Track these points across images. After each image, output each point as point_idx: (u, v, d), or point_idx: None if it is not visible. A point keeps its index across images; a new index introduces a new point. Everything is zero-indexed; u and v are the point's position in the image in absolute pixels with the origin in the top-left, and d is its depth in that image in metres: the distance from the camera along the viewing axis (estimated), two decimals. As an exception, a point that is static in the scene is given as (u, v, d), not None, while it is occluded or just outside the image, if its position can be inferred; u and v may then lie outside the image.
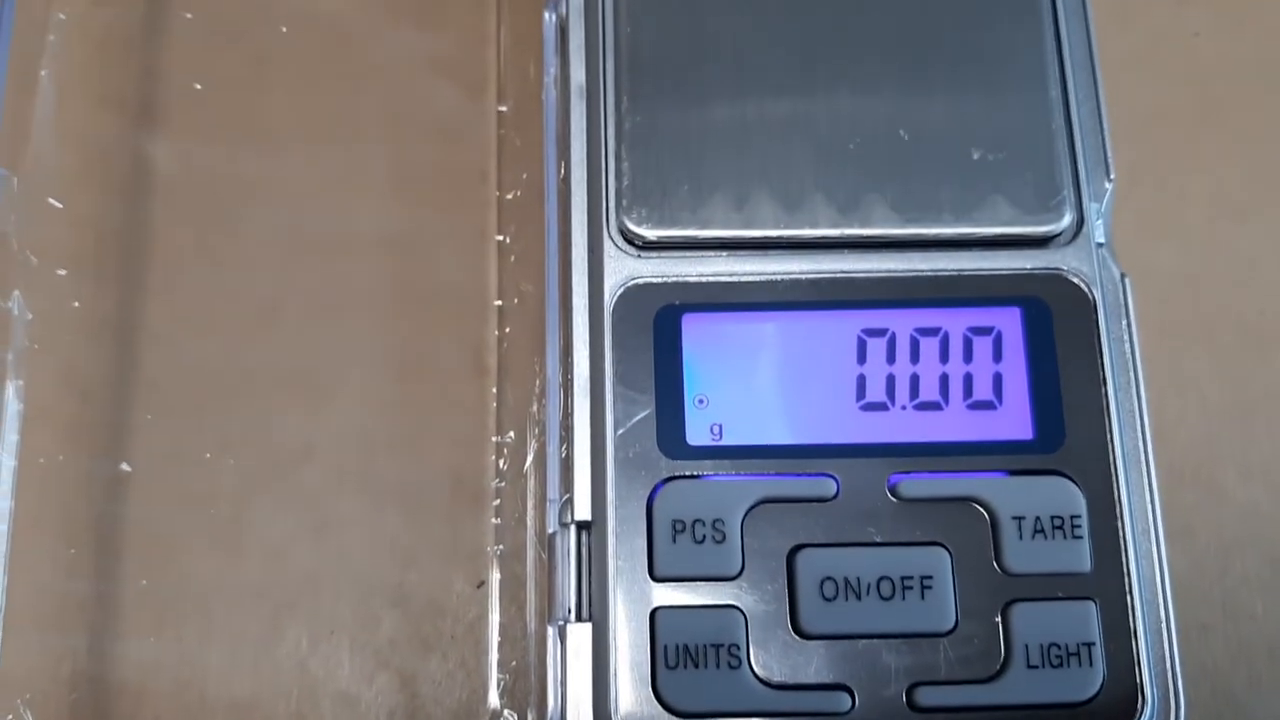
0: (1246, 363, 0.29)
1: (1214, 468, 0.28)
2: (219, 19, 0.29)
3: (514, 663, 0.26)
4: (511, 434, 0.27)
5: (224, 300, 0.28)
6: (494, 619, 0.26)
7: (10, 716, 0.24)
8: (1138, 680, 0.23)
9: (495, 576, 0.26)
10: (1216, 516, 0.28)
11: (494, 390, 0.27)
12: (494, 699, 0.26)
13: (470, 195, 0.29)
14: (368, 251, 0.28)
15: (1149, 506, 0.24)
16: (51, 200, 0.27)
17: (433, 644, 0.26)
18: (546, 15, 0.28)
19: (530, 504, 0.26)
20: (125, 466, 0.26)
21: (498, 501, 0.27)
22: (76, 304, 0.26)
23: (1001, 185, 0.26)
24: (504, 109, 0.29)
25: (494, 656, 0.26)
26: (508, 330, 0.28)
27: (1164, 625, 0.24)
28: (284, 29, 0.29)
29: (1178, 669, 0.24)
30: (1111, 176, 0.26)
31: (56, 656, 0.25)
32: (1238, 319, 0.29)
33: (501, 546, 0.26)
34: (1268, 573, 0.27)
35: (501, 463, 0.27)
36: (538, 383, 0.27)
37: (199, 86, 0.28)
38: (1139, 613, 0.24)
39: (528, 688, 0.26)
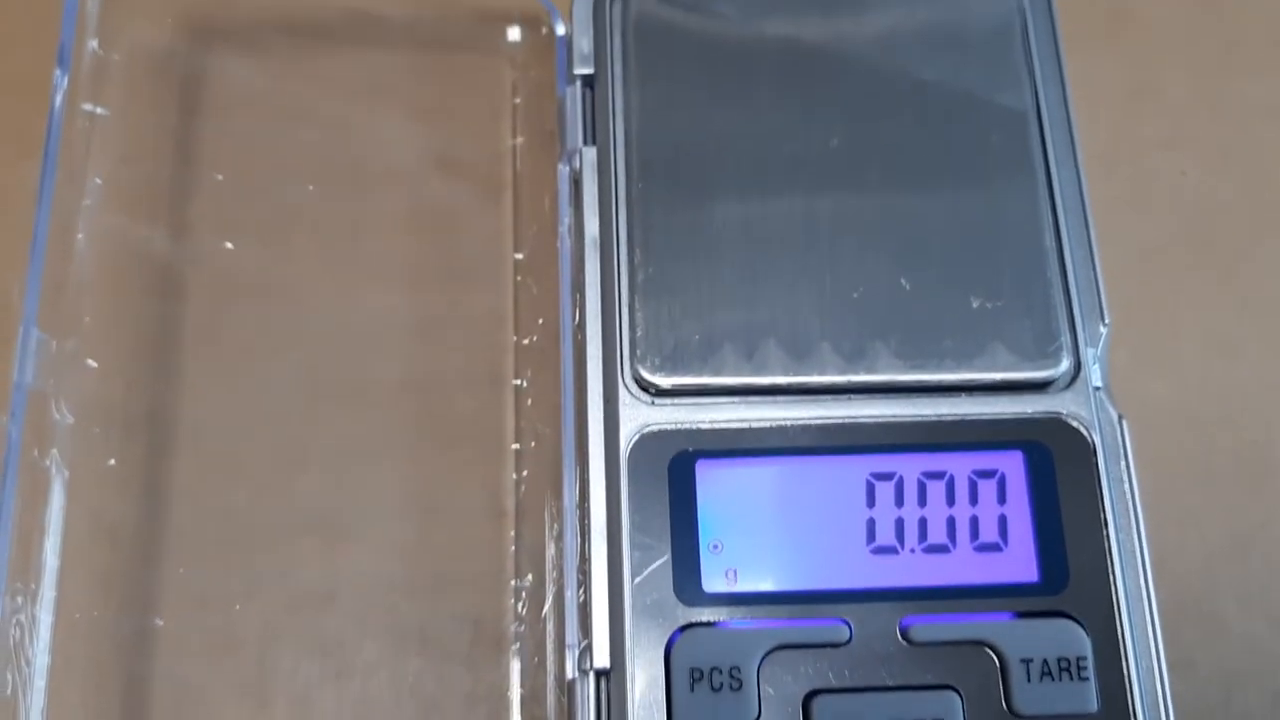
0: (1241, 495, 0.29)
1: (1213, 600, 0.29)
2: (248, 178, 0.30)
3: (536, 807, 0.26)
4: (530, 577, 0.28)
5: (250, 449, 0.28)
6: (516, 762, 0.27)
7: None
8: (1146, 822, 0.24)
9: (516, 721, 0.27)
10: (1217, 649, 0.28)
11: (512, 533, 0.28)
12: (517, 843, 0.26)
13: (488, 339, 0.30)
14: (389, 396, 0.29)
15: (1152, 645, 0.25)
16: (89, 360, 0.28)
17: (456, 788, 0.26)
18: (561, 168, 0.29)
19: (550, 647, 0.27)
20: (158, 621, 0.26)
21: (517, 645, 0.27)
22: (111, 461, 0.27)
23: (1000, 332, 0.27)
24: (520, 256, 0.31)
25: (517, 800, 0.26)
26: (525, 473, 0.29)
27: (1171, 764, 0.24)
28: (311, 187, 0.30)
29: (1185, 809, 0.24)
30: (1106, 321, 0.27)
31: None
32: (1232, 452, 0.30)
33: (522, 691, 0.27)
34: (1269, 704, 0.28)
35: (520, 606, 0.28)
36: (555, 526, 0.28)
37: (230, 245, 0.29)
38: (1146, 752, 0.24)
39: (549, 832, 0.26)
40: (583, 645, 0.25)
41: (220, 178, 0.30)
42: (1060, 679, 0.25)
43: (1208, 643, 0.28)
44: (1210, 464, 0.30)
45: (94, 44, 0.29)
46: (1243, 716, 0.28)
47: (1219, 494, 0.29)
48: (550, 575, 0.27)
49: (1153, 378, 0.30)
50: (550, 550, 0.28)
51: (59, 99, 0.28)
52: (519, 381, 0.29)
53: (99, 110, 0.29)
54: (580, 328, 0.28)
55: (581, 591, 0.26)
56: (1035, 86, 0.29)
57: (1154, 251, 0.31)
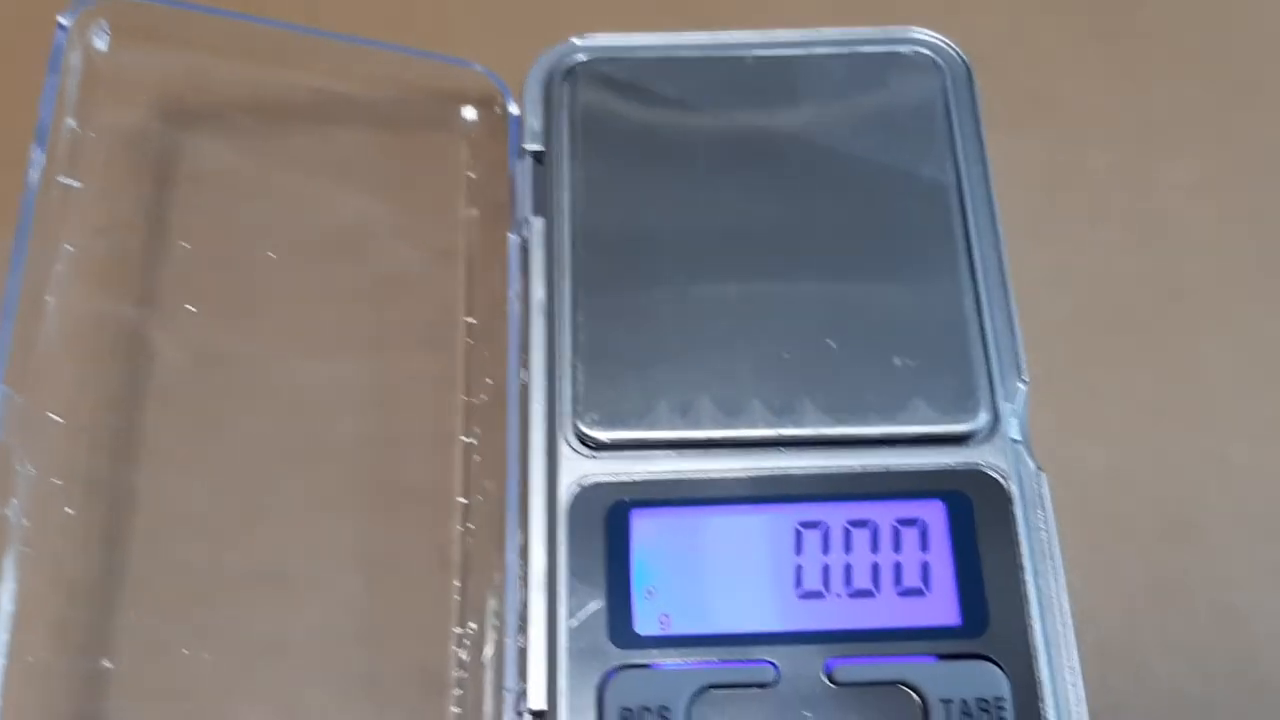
0: (1163, 549, 0.30)
1: (1140, 650, 0.29)
2: (215, 249, 0.32)
3: None
4: (473, 625, 0.29)
5: (209, 504, 0.29)
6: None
7: None
8: None
9: (456, 764, 0.27)
10: (1144, 695, 0.29)
11: (457, 583, 0.29)
12: None
13: (440, 400, 0.31)
14: (343, 454, 0.30)
15: (1069, 687, 0.26)
16: (50, 415, 0.29)
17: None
18: (511, 237, 0.31)
19: (489, 693, 0.28)
20: (106, 663, 0.27)
21: (459, 692, 0.28)
22: (69, 510, 0.28)
23: (922, 389, 0.28)
24: (472, 321, 0.32)
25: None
26: (470, 526, 0.30)
27: (1092, 805, 0.25)
28: (274, 256, 0.32)
29: None
30: (1024, 378, 0.29)
31: None
32: (1156, 509, 0.31)
33: (462, 735, 0.28)
34: (1197, 752, 0.29)
35: (463, 654, 0.28)
36: (497, 576, 0.29)
37: (193, 310, 0.31)
38: (1065, 793, 0.25)
39: None
40: (520, 689, 0.26)
41: (188, 247, 0.32)
42: (979, 719, 0.25)
43: (1135, 689, 0.29)
44: (1134, 520, 0.31)
45: (72, 123, 0.31)
46: (1170, 763, 0.29)
47: (1142, 548, 0.30)
48: (491, 623, 0.28)
49: (1077, 439, 0.31)
50: (492, 600, 0.28)
51: (35, 174, 0.29)
52: (468, 439, 0.31)
53: (74, 183, 0.31)
54: (526, 387, 0.29)
55: (521, 638, 0.27)
56: (957, 163, 0.31)
57: (1078, 321, 0.33)
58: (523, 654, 0.26)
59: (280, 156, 0.33)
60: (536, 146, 0.31)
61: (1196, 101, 0.36)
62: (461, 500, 0.30)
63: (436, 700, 0.28)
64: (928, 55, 0.32)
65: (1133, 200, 0.34)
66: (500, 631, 0.28)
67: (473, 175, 0.34)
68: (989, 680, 0.26)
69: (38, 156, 0.29)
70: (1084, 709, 0.26)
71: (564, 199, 0.31)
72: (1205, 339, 0.33)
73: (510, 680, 0.27)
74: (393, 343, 0.32)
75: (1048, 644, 0.26)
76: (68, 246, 0.30)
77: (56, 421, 0.29)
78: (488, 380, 0.31)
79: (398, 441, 0.31)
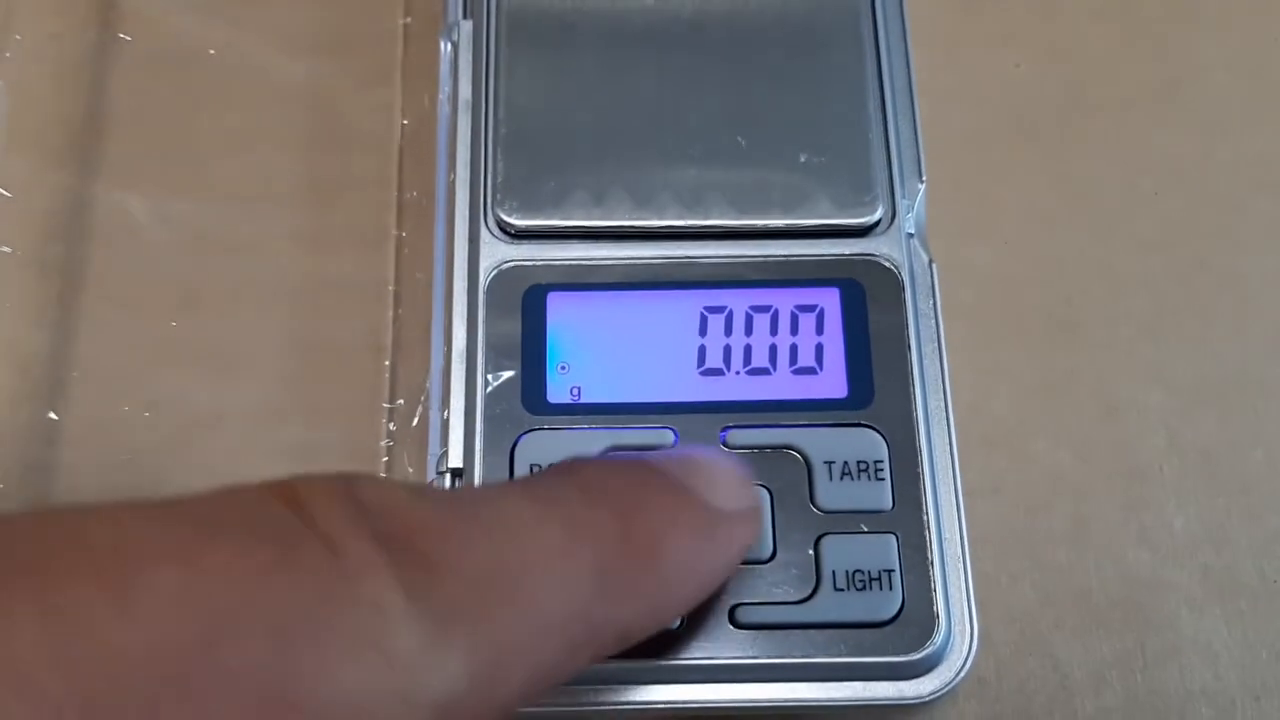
0: (1053, 348, 0.33)
1: (1023, 437, 0.32)
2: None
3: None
4: (402, 401, 0.31)
5: (151, 288, 0.31)
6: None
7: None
8: (933, 604, 0.27)
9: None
10: (1025, 478, 0.31)
11: (387, 364, 0.31)
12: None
13: (375, 198, 0.33)
14: (281, 249, 0.32)
15: (948, 457, 0.28)
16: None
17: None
18: (442, 43, 0.32)
19: (412, 462, 0.30)
20: (52, 415, 0.29)
21: (387, 459, 0.30)
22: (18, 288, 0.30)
23: (825, 184, 0.30)
24: (406, 123, 0.34)
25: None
26: (401, 312, 0.32)
27: (961, 560, 0.27)
28: (212, 51, 0.33)
29: (972, 598, 0.27)
30: (923, 178, 0.31)
31: None
32: (1045, 311, 0.33)
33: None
34: (1070, 526, 0.31)
35: (392, 426, 0.31)
36: (424, 356, 0.30)
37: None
38: (935, 547, 0.27)
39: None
40: (441, 452, 0.28)
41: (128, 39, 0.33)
42: (859, 479, 0.28)
43: (1015, 471, 0.31)
44: (1025, 320, 0.33)
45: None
46: (1045, 535, 0.31)
47: (1032, 346, 0.32)
48: (420, 400, 0.30)
49: (975, 243, 0.33)
50: (420, 378, 0.30)
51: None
52: (400, 233, 0.32)
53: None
54: (453, 182, 0.31)
55: (445, 410, 0.29)
56: (872, -24, 0.32)
57: (984, 135, 0.35)
58: (445, 423, 0.28)
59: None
60: (467, -49, 0.33)
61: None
62: (392, 289, 0.32)
63: (367, 468, 0.30)
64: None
65: (1045, 23, 0.36)
66: (425, 405, 0.30)
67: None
68: (869, 445, 0.28)
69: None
70: (958, 476, 0.28)
71: (490, 1, 0.32)
72: (1101, 154, 0.34)
73: (434, 446, 0.29)
74: (324, 142, 0.33)
75: (928, 416, 0.28)
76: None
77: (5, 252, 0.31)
78: (419, 180, 0.33)
79: (332, 236, 0.32)
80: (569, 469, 0.21)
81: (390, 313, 0.32)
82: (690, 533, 0.21)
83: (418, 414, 0.30)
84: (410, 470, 0.30)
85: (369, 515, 0.17)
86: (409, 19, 0.34)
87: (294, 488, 0.17)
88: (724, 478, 0.23)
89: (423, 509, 0.18)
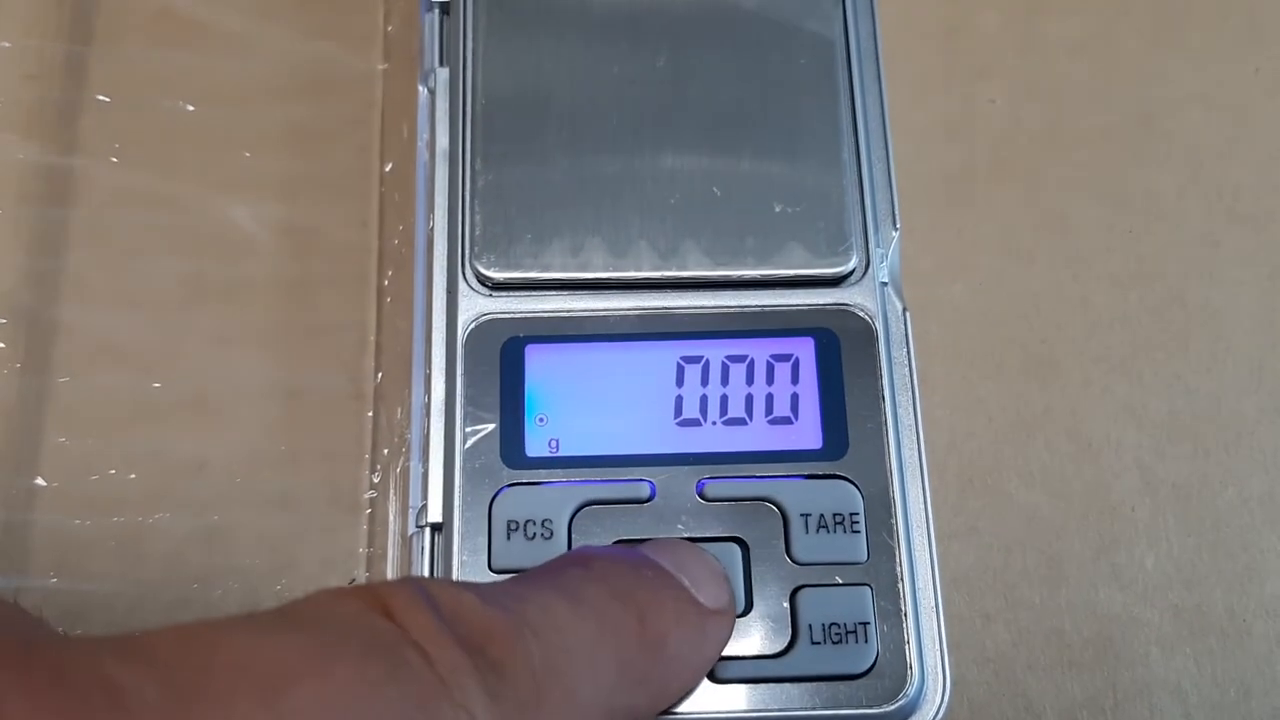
0: (1029, 386, 0.33)
1: (999, 476, 0.32)
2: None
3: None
4: (385, 451, 0.31)
5: (133, 339, 0.32)
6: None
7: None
8: (907, 655, 0.27)
9: (364, 575, 0.30)
10: (1000, 518, 0.32)
11: (370, 414, 0.31)
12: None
13: (355, 243, 0.33)
14: (263, 293, 0.32)
15: (922, 507, 0.29)
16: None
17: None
18: (421, 88, 0.32)
19: (395, 512, 0.30)
20: (41, 482, 0.30)
21: (370, 510, 0.31)
22: (1, 346, 0.31)
23: (799, 234, 0.30)
24: (387, 168, 0.34)
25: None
26: (383, 360, 0.32)
27: (934, 610, 0.28)
28: (190, 108, 0.33)
29: (944, 648, 0.28)
30: (897, 226, 0.31)
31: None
32: (1022, 348, 0.33)
33: (371, 548, 0.30)
34: (1045, 567, 0.31)
35: (374, 476, 0.31)
36: (405, 406, 0.31)
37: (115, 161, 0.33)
38: (909, 598, 0.28)
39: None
40: (421, 505, 0.29)
41: (107, 100, 0.33)
42: (835, 531, 0.28)
43: (991, 512, 0.32)
44: (1002, 358, 0.33)
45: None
46: (1021, 575, 0.31)
47: (1008, 384, 0.33)
48: (401, 450, 0.31)
49: (953, 282, 0.34)
50: (401, 428, 0.31)
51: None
52: (383, 281, 0.33)
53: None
54: (432, 230, 0.31)
55: (425, 462, 0.29)
56: (846, 19, 0.32)
57: (961, 172, 0.35)
58: (425, 475, 0.29)
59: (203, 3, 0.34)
60: (443, -1, 0.33)
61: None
62: (373, 338, 0.32)
63: (349, 517, 0.31)
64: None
65: (1021, 58, 0.36)
66: (407, 456, 0.30)
67: (389, 29, 0.35)
68: (845, 497, 0.28)
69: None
70: (932, 527, 0.28)
71: (467, 49, 0.32)
72: (1078, 193, 0.34)
73: (414, 499, 0.29)
74: (306, 191, 0.33)
75: (902, 467, 0.29)
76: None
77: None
78: (400, 226, 0.33)
79: (314, 281, 0.33)
80: (585, 562, 0.24)
81: (372, 361, 0.32)
82: (690, 630, 0.25)
83: (399, 464, 0.31)
84: (394, 519, 0.30)
85: (449, 621, 0.20)
86: (387, 64, 0.35)
87: (379, 596, 0.20)
88: (710, 577, 0.26)
89: (489, 614, 0.20)
